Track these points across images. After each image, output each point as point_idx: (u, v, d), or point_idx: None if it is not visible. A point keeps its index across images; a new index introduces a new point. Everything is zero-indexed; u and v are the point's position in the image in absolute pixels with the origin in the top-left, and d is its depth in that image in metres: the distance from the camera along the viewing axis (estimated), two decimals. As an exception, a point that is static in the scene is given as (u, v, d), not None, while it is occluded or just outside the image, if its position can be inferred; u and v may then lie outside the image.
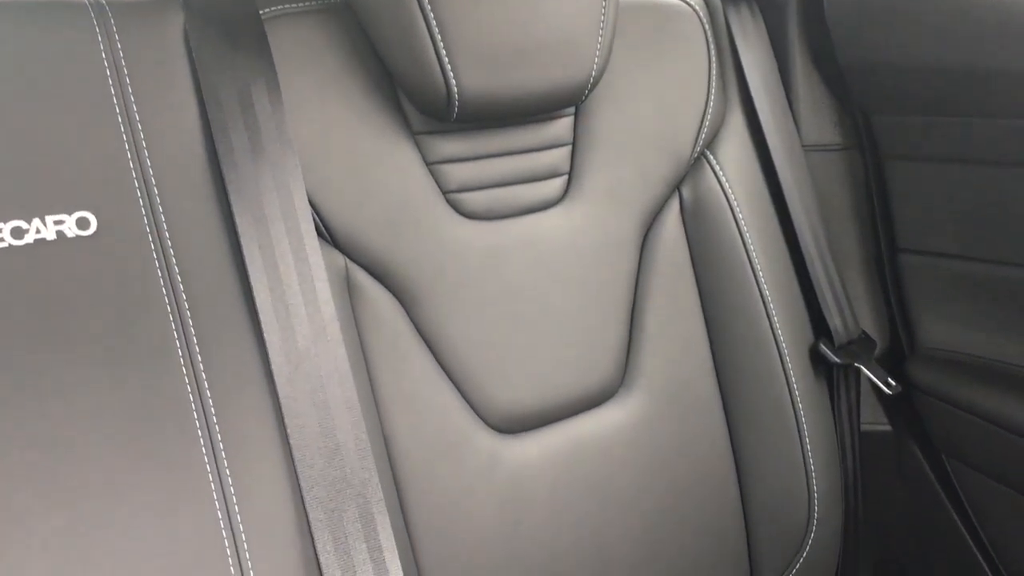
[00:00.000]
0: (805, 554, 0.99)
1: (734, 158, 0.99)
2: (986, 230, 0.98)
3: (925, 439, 1.10)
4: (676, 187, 0.97)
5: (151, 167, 0.66)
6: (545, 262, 0.87)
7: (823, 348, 1.00)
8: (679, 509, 0.94)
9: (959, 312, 1.04)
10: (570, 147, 0.90)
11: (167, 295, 0.65)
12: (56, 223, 0.62)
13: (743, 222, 0.98)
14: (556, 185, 0.89)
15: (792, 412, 0.98)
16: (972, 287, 1.02)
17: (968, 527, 1.08)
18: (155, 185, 0.66)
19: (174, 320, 0.65)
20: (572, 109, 0.90)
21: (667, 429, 0.93)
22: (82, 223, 0.63)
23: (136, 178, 0.66)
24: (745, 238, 0.97)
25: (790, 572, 1.00)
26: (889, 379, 1.01)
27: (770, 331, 0.97)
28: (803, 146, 1.07)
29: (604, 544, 0.89)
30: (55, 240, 0.62)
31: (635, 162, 0.93)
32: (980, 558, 1.08)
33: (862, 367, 1.01)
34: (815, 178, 1.06)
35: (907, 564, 1.17)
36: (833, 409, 1.03)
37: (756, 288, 0.97)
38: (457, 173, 0.83)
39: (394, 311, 0.80)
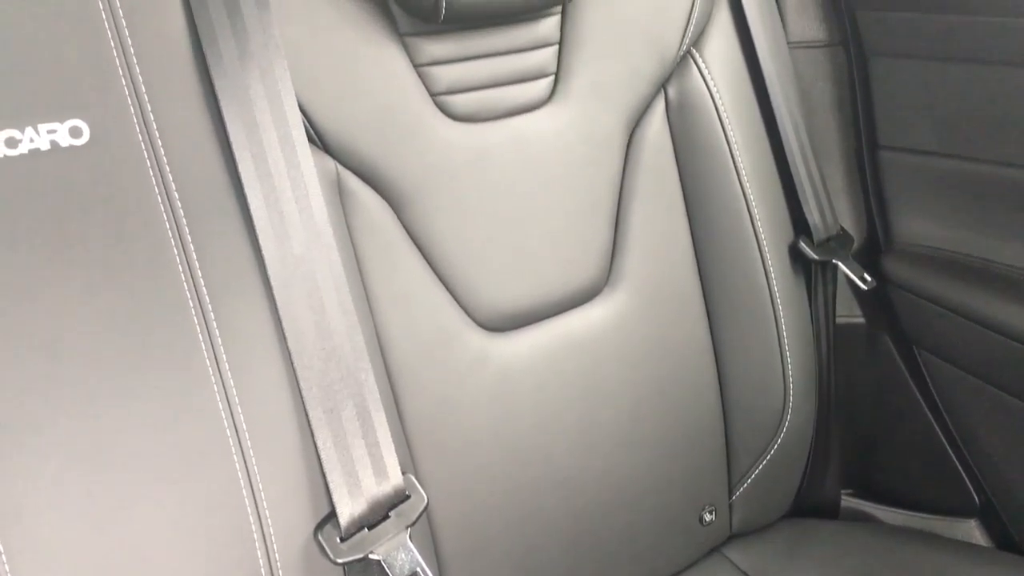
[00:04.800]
0: (779, 440, 1.04)
1: (720, 56, 0.99)
2: (965, 128, 1.00)
3: (898, 331, 1.13)
4: (662, 86, 0.97)
5: (140, 74, 0.66)
6: (532, 162, 0.88)
7: (802, 245, 1.03)
8: (660, 400, 0.98)
9: (935, 209, 1.07)
10: (557, 47, 0.90)
11: (163, 204, 0.66)
12: (49, 132, 0.63)
13: (727, 120, 0.98)
14: (543, 85, 0.89)
15: (770, 306, 1.01)
16: (949, 184, 1.04)
17: (935, 414, 1.13)
18: (145, 93, 0.66)
19: (171, 228, 0.66)
20: (559, 8, 0.89)
21: (650, 325, 0.96)
22: (75, 132, 0.63)
23: (126, 85, 0.66)
24: (729, 136, 0.98)
25: (764, 457, 1.05)
26: (865, 274, 1.04)
27: (751, 228, 0.99)
28: (788, 43, 1.06)
29: (589, 435, 0.93)
30: (49, 150, 0.62)
31: (621, 61, 0.93)
32: (946, 443, 1.13)
33: (839, 263, 1.04)
34: (800, 75, 1.07)
35: (876, 449, 1.23)
36: (810, 302, 1.06)
37: (738, 186, 0.99)
38: (445, 75, 0.83)
39: (384, 214, 0.82)
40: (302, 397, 0.70)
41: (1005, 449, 1.05)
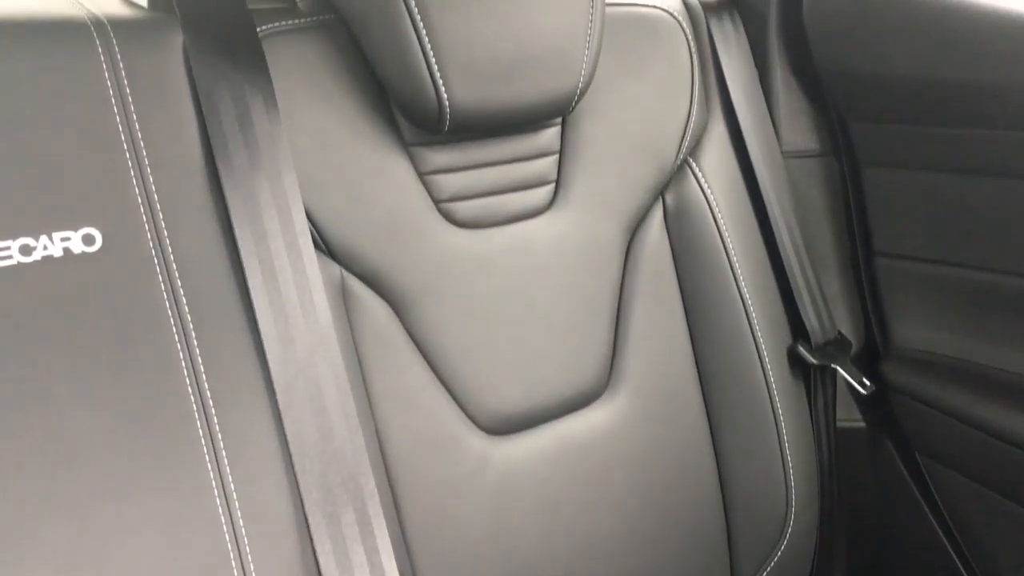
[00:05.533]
0: (783, 547, 1.03)
1: (716, 165, 1.02)
2: (959, 236, 1.02)
3: (899, 436, 1.13)
4: (660, 194, 1.00)
5: (153, 183, 0.68)
6: (533, 268, 0.90)
7: (800, 349, 1.04)
8: (662, 505, 0.97)
9: (932, 314, 1.08)
10: (557, 156, 0.92)
11: (170, 309, 0.67)
12: (63, 240, 0.64)
13: (724, 227, 1.01)
14: (544, 193, 0.92)
15: (770, 410, 1.01)
16: (945, 290, 1.06)
17: (939, 520, 1.12)
18: (158, 201, 0.68)
19: (177, 333, 0.67)
20: (559, 119, 0.92)
21: (650, 429, 0.97)
22: (88, 239, 0.65)
23: (139, 194, 0.68)
24: (726, 243, 1.01)
25: (769, 564, 1.03)
26: (864, 379, 1.04)
27: (749, 332, 1.01)
28: (782, 152, 1.10)
29: (590, 539, 0.92)
30: (62, 257, 0.64)
31: (620, 170, 0.95)
32: (950, 550, 1.12)
33: (838, 368, 1.05)
34: (794, 183, 1.10)
35: (880, 556, 1.21)
36: (810, 407, 1.06)
37: (736, 291, 1.00)
38: (449, 183, 0.85)
39: (388, 318, 0.83)
40: (302, 501, 0.70)
41: (1010, 557, 1.04)
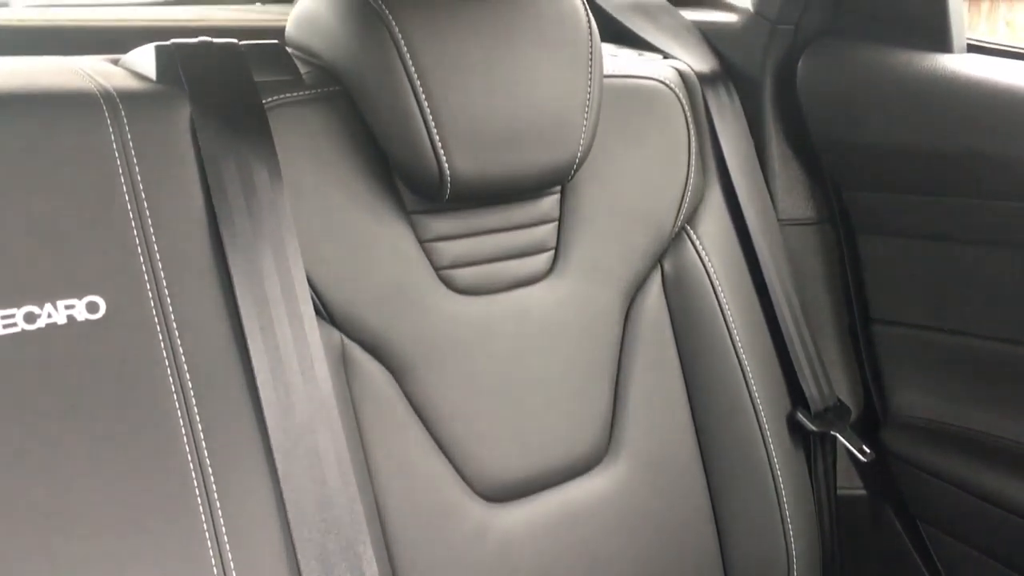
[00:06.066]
0: (785, 616, 1.02)
1: (713, 232, 1.03)
2: (955, 303, 1.03)
3: (900, 504, 1.13)
4: (658, 261, 1.01)
5: (158, 252, 0.69)
6: (532, 334, 0.91)
7: (800, 416, 1.04)
8: (662, 573, 0.96)
9: (931, 381, 1.08)
10: (556, 224, 0.94)
11: (172, 376, 0.68)
12: (67, 307, 0.65)
13: (722, 294, 1.01)
14: (543, 260, 0.92)
15: (770, 477, 1.01)
16: (943, 357, 1.06)
17: (942, 589, 1.11)
18: (162, 270, 0.69)
19: (178, 401, 0.67)
20: (559, 187, 0.93)
21: (650, 495, 0.96)
22: (92, 307, 0.66)
23: (144, 263, 0.69)
24: (724, 309, 1.01)
25: (770, 634, 1.02)
26: (863, 446, 1.04)
27: (749, 399, 1.01)
28: (779, 220, 1.11)
29: (589, 609, 0.91)
30: (66, 324, 0.65)
31: (619, 237, 0.96)
32: (953, 620, 1.11)
33: (838, 435, 1.04)
34: (791, 251, 1.11)
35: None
36: (810, 474, 1.06)
37: (735, 357, 1.01)
38: (449, 250, 0.86)
39: (387, 384, 0.83)
40: (299, 570, 0.69)
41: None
